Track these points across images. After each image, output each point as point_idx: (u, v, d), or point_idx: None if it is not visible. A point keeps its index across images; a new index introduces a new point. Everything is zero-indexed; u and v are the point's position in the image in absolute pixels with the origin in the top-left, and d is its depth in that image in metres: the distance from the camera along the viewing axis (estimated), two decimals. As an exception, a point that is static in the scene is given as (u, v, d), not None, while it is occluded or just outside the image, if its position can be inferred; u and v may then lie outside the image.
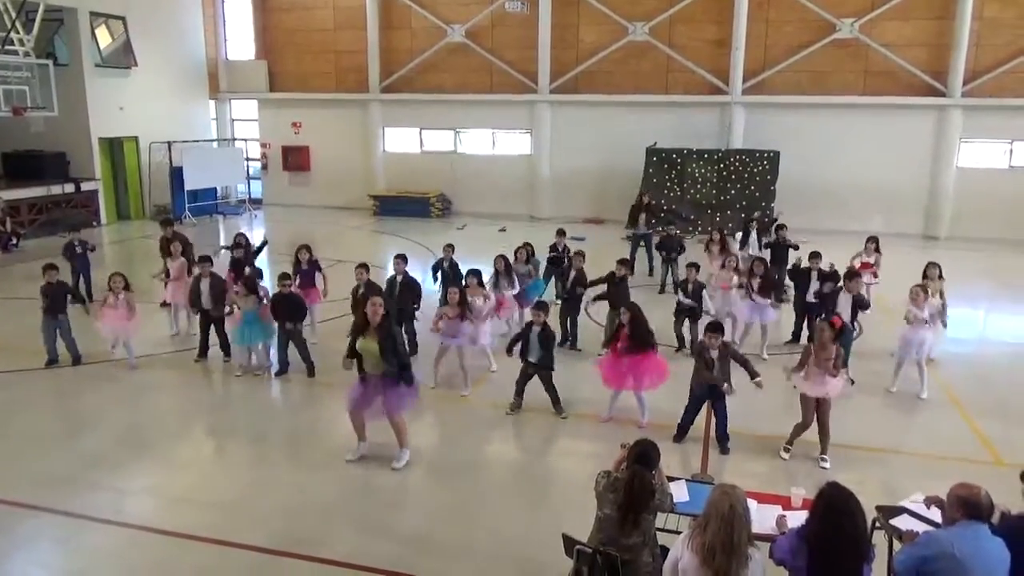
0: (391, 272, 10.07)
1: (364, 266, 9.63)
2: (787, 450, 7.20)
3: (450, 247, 10.79)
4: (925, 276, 9.68)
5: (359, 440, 7.12)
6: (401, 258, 9.90)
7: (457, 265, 10.60)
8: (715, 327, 7.32)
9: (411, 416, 8.27)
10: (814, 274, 10.04)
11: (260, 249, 11.77)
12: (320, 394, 8.87)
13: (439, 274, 10.64)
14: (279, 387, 9.21)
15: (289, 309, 9.21)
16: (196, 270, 9.81)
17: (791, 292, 11.05)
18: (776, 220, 12.91)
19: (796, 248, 12.13)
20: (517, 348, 8.11)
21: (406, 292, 9.68)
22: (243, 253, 11.01)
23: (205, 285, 9.56)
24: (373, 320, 6.65)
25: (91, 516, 6.14)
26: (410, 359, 7.15)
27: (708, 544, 3.63)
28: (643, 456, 4.45)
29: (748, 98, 20.13)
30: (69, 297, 9.69)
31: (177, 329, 10.94)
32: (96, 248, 13.08)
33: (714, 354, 7.20)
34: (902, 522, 4.88)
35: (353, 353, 6.78)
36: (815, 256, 10.28)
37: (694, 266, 10.29)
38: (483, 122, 22.58)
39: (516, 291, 10.49)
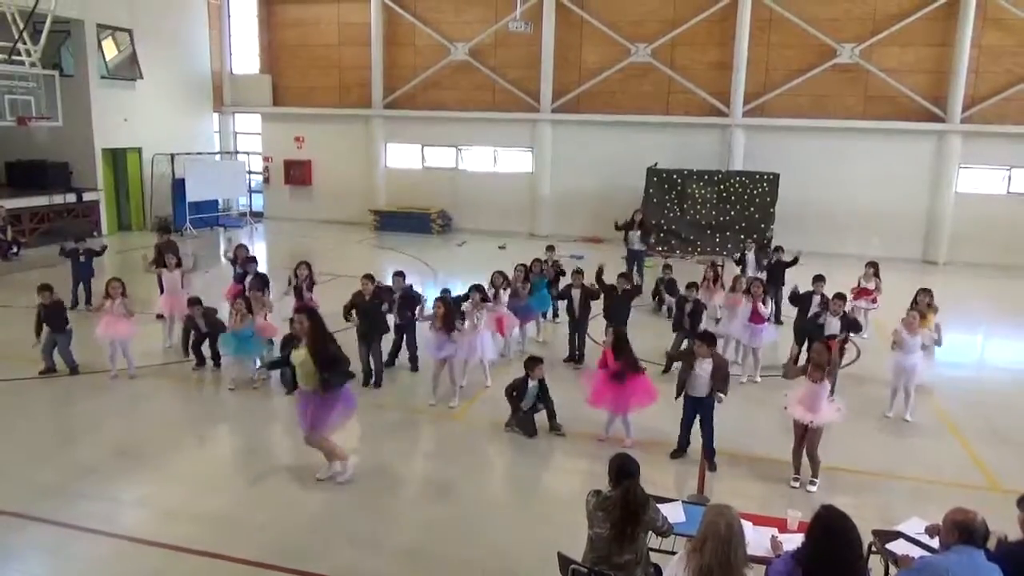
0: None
1: (369, 277, 9.57)
2: (796, 478, 7.13)
3: (400, 274, 10.00)
4: (915, 303, 9.67)
5: (333, 461, 6.99)
6: (399, 275, 9.96)
7: (410, 294, 9.90)
8: (705, 336, 7.33)
9: (410, 432, 8.29)
10: (816, 298, 10.05)
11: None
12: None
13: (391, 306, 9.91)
14: (274, 400, 9.17)
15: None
16: (188, 311, 9.87)
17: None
18: (772, 241, 12.94)
19: (795, 263, 12.18)
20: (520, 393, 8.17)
21: (404, 305, 9.74)
22: (245, 260, 11.16)
23: (201, 323, 9.71)
24: (300, 334, 6.59)
25: (83, 526, 6.10)
26: (348, 364, 6.92)
27: (705, 565, 3.61)
28: (623, 469, 4.47)
29: (749, 120, 20.25)
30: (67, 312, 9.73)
31: (172, 341, 10.92)
32: (104, 249, 13.18)
33: (706, 365, 7.18)
34: (898, 547, 4.85)
35: (280, 364, 6.82)
36: (819, 279, 10.31)
37: (693, 286, 10.32)
38: (485, 140, 22.69)
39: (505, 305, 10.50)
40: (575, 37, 21.48)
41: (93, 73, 19.61)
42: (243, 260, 11.35)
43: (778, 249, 12.61)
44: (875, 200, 19.49)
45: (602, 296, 10.26)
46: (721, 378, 7.18)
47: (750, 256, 13.21)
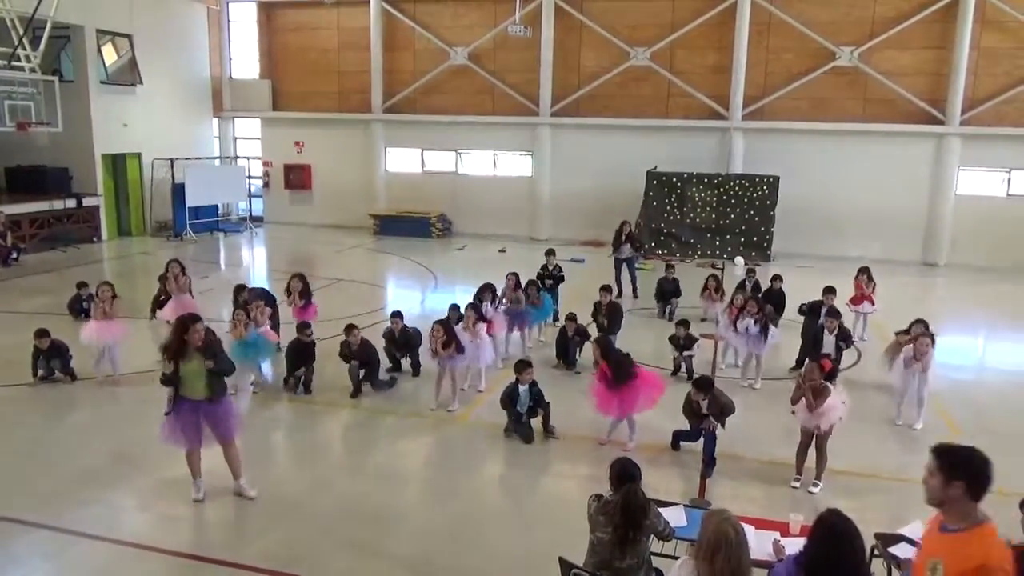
0: (389, 325, 10.18)
1: (351, 327, 9.42)
2: (797, 479, 7.13)
3: (398, 314, 10.11)
4: (908, 332, 9.59)
5: (196, 478, 6.65)
6: (397, 315, 9.96)
7: (406, 332, 10.06)
8: (701, 384, 7.27)
9: (410, 437, 8.28)
10: (824, 309, 10.12)
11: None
12: (316, 412, 8.84)
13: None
14: (276, 405, 9.16)
15: (302, 357, 9.40)
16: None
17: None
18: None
19: (801, 312, 11.19)
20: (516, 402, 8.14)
21: (404, 346, 9.95)
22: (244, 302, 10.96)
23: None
24: (194, 343, 6.22)
25: (83, 532, 6.08)
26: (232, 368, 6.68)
27: (719, 572, 3.59)
28: (624, 473, 4.46)
29: (748, 124, 20.27)
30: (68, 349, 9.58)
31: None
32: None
33: (703, 404, 7.23)
34: (901, 550, 4.84)
35: (173, 379, 6.26)
36: (830, 291, 10.40)
37: (683, 324, 10.40)
38: (484, 143, 22.71)
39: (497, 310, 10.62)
40: (574, 41, 21.51)
41: (93, 78, 19.62)
42: (246, 301, 11.08)
43: (777, 278, 12.39)
44: (875, 203, 19.49)
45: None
46: (717, 410, 7.21)
47: (749, 285, 13.13)
